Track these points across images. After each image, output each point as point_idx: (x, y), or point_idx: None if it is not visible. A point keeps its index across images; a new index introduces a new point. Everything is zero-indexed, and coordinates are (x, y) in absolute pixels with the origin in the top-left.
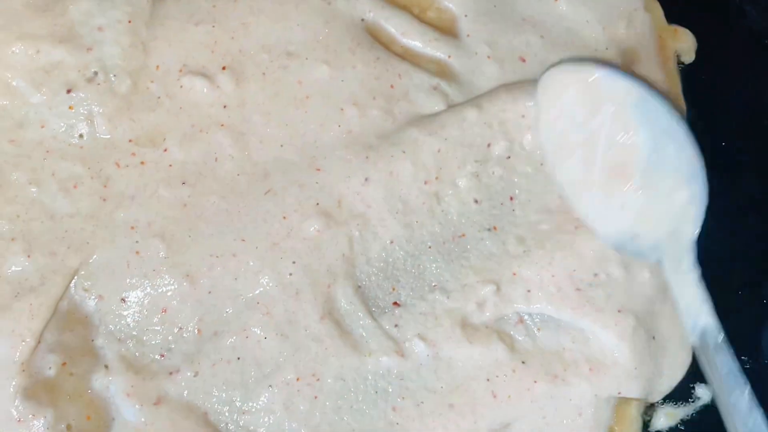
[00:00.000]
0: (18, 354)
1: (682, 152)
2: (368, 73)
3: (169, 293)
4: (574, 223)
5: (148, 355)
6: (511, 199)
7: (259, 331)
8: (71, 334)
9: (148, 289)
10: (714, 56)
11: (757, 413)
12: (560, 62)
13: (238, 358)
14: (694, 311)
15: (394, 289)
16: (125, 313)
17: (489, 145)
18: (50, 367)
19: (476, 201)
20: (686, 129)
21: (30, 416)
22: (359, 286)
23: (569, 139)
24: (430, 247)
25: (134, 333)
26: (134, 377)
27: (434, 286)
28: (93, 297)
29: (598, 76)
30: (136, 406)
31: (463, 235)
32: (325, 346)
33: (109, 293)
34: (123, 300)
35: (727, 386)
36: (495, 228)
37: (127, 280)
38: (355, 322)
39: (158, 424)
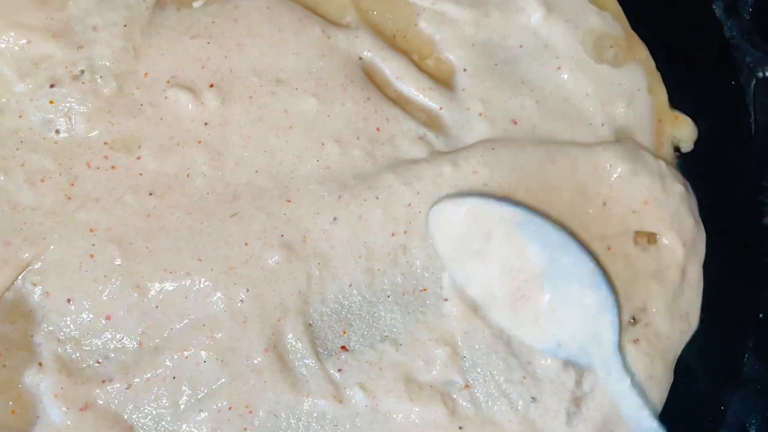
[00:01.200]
0: None
1: (576, 263)
2: (356, 112)
3: (116, 301)
4: None
5: (85, 359)
6: None
7: (199, 354)
8: (11, 326)
9: (96, 294)
10: (713, 149)
11: None
12: (440, 199)
13: (174, 377)
14: (635, 417)
15: (344, 333)
16: (69, 313)
17: None
18: None
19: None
20: (575, 241)
21: None
22: (310, 324)
23: (470, 268)
24: (388, 296)
25: (74, 335)
26: (66, 379)
27: (386, 336)
28: (40, 293)
29: (475, 204)
30: (63, 409)
31: (425, 289)
32: (264, 379)
33: (57, 291)
34: (69, 300)
35: None
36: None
37: (77, 282)
38: (298, 360)
39: (81, 430)
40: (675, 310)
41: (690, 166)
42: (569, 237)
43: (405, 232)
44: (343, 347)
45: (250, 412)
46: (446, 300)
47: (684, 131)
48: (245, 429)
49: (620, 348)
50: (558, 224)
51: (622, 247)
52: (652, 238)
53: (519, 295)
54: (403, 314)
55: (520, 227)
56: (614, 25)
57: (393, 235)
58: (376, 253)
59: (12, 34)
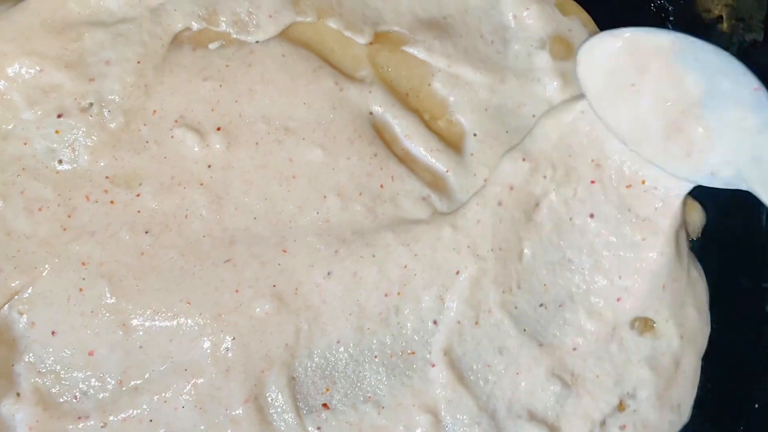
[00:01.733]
0: None
1: (738, 85)
2: (361, 168)
3: (100, 337)
4: (527, 365)
5: (63, 394)
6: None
7: (178, 398)
8: None
9: (81, 329)
10: (721, 237)
11: None
12: (592, 36)
13: (151, 420)
14: None
15: (327, 390)
16: (52, 346)
17: (457, 273)
18: None
19: (435, 323)
20: (739, 62)
21: None
22: (293, 378)
23: (622, 103)
24: (375, 357)
25: (56, 368)
26: (42, 413)
27: (369, 397)
28: (25, 322)
29: (634, 35)
30: None
31: (413, 352)
32: (241, 430)
33: (42, 323)
34: (54, 333)
35: None
36: (446, 354)
37: (63, 314)
38: (278, 414)
39: None
40: (666, 399)
41: (697, 251)
42: (730, 58)
43: (399, 293)
44: (324, 405)
45: None
46: (433, 365)
47: (694, 218)
48: None
49: None
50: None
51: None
52: (649, 323)
53: (674, 128)
54: (388, 376)
55: (678, 56)
56: None
57: (386, 295)
58: (367, 312)
59: (25, 61)
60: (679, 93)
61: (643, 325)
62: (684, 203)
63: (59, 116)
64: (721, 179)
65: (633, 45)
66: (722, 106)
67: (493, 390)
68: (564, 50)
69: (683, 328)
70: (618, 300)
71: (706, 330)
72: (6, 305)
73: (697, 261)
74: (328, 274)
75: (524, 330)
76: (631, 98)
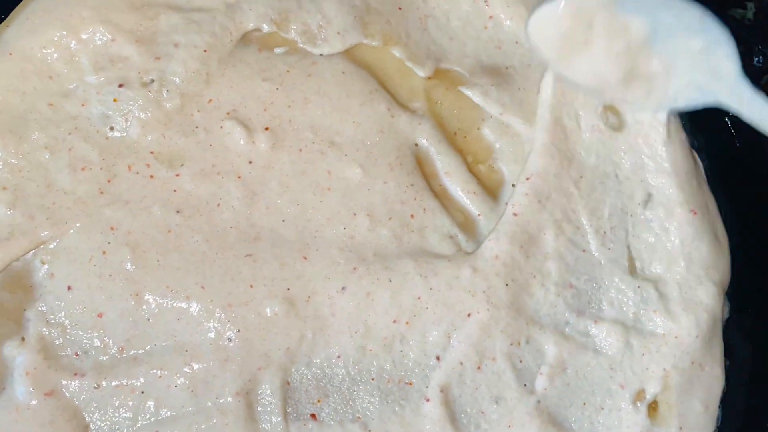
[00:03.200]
0: None
1: (680, 15)
2: (396, 194)
3: (112, 302)
4: (521, 420)
5: (65, 348)
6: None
7: (173, 377)
8: (9, 295)
9: (96, 290)
10: None
11: None
12: (534, 9)
13: (142, 392)
14: None
15: (319, 402)
16: (65, 301)
17: (469, 315)
18: None
19: (438, 359)
20: None
21: None
22: (288, 383)
23: (578, 61)
24: (372, 379)
25: (63, 322)
26: (42, 361)
27: (358, 417)
28: (45, 272)
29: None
30: (30, 388)
31: (411, 383)
32: (227, 421)
33: (61, 276)
34: (69, 288)
35: None
36: (443, 391)
37: (83, 273)
38: (265, 414)
39: (39, 414)
40: None
41: None
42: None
43: (407, 322)
44: (312, 415)
45: None
46: (428, 400)
47: None
48: None
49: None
50: None
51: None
52: (653, 403)
53: (631, 72)
54: (381, 401)
55: (618, 4)
56: None
57: (395, 321)
58: (372, 334)
59: (100, 28)
60: (627, 39)
61: (647, 404)
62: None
63: (120, 86)
64: (685, 100)
65: (574, 6)
66: (670, 38)
67: None
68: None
69: (685, 421)
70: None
71: (711, 427)
72: (31, 252)
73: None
74: (343, 288)
75: (525, 385)
76: (586, 54)
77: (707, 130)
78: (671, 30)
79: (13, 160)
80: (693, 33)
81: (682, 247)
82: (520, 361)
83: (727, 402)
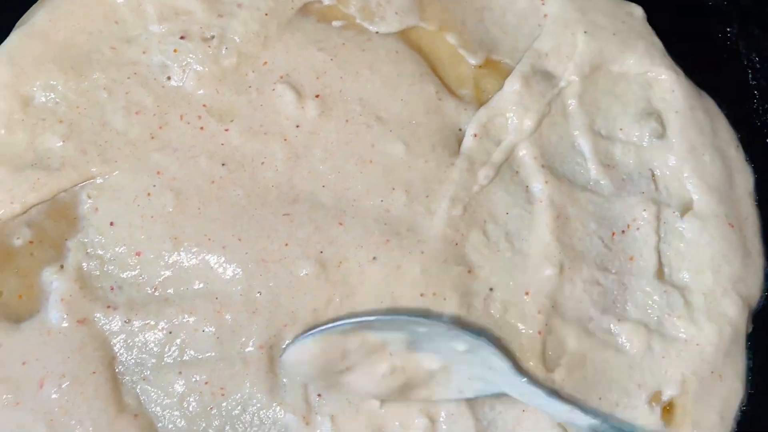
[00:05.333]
0: (2, 212)
1: (431, 330)
2: (435, 174)
3: (151, 243)
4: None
5: (101, 280)
6: None
7: (202, 322)
8: (53, 223)
9: (137, 229)
10: None
11: None
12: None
13: (170, 332)
14: (568, 419)
15: None
16: (106, 235)
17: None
18: (18, 238)
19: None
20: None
21: None
22: None
23: (347, 384)
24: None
25: (102, 255)
26: (78, 290)
27: None
28: (90, 206)
29: (320, 335)
30: (63, 314)
31: None
32: (248, 371)
33: (105, 212)
34: (112, 223)
35: None
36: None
37: (126, 211)
38: (285, 370)
39: (69, 339)
40: None
41: None
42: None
43: (434, 294)
44: None
45: (223, 394)
46: None
47: None
48: (211, 408)
49: (522, 370)
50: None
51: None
52: (669, 406)
53: (409, 383)
54: None
55: (372, 330)
56: None
57: (422, 295)
58: (398, 306)
59: None
60: (387, 350)
61: (660, 407)
62: None
63: (182, 38)
64: (472, 392)
65: (322, 342)
66: (432, 342)
67: (495, 419)
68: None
69: (698, 428)
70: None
71: None
72: (78, 185)
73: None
74: (374, 258)
75: (544, 373)
76: (354, 375)
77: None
78: (430, 337)
79: (72, 96)
80: (452, 338)
81: (712, 258)
82: (542, 350)
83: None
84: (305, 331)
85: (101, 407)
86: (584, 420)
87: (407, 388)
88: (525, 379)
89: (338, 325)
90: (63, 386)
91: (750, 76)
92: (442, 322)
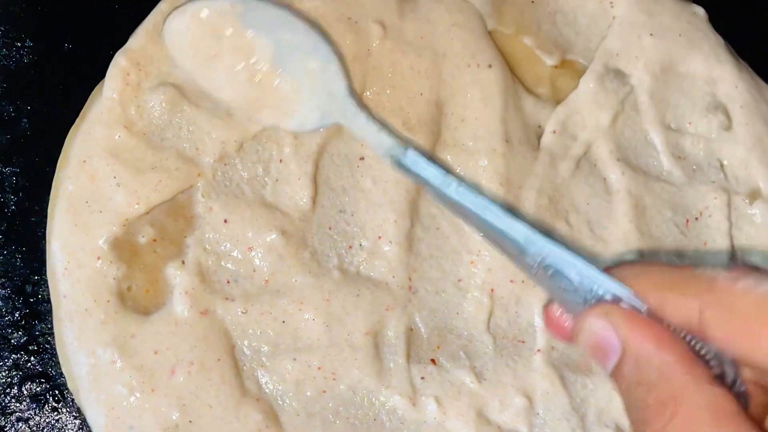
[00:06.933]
0: (128, 210)
1: (296, 33)
2: (522, 166)
3: (262, 239)
4: None
5: (219, 274)
6: None
7: (311, 311)
8: (174, 222)
9: (248, 225)
10: None
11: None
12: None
13: (284, 321)
14: (376, 141)
15: (438, 348)
16: (221, 232)
17: None
18: (143, 236)
19: None
20: (290, 13)
21: (107, 261)
22: (411, 329)
23: (215, 73)
24: (490, 333)
25: (219, 252)
26: (199, 283)
27: (474, 366)
28: (206, 206)
29: (195, 7)
30: (187, 306)
31: (523, 341)
32: (356, 357)
33: (219, 210)
34: (225, 221)
35: (435, 186)
36: (554, 348)
37: (237, 209)
38: (391, 354)
39: (194, 329)
40: None
41: None
42: (291, 14)
43: (523, 281)
44: (432, 360)
45: (334, 379)
46: (539, 351)
47: None
48: (324, 391)
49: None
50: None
51: None
52: None
53: (260, 88)
54: (496, 354)
55: (243, 19)
56: None
57: (512, 281)
58: (495, 295)
59: None
60: (254, 55)
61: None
62: None
63: None
64: (311, 122)
65: (200, 16)
66: (291, 55)
67: (587, 396)
68: None
69: None
70: None
71: None
72: (195, 186)
73: None
74: (479, 252)
75: None
76: (219, 67)
77: None
78: (291, 50)
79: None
80: (309, 54)
81: None
82: None
83: None
84: None
85: (228, 392)
86: (389, 140)
87: (258, 105)
88: (353, 99)
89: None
90: (192, 373)
91: None
92: (313, 35)
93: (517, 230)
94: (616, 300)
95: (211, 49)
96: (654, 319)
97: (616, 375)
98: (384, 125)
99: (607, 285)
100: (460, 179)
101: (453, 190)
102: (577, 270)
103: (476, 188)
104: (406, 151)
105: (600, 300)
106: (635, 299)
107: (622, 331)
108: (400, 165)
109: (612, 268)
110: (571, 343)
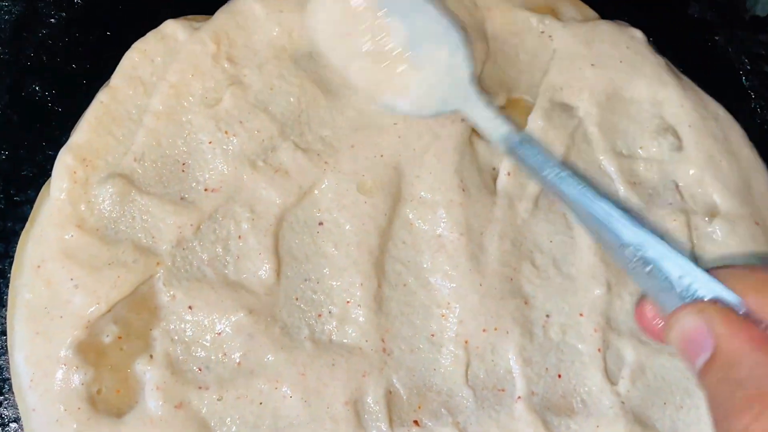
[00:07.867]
0: (88, 312)
1: (429, 19)
2: (482, 212)
3: (230, 320)
4: (608, 420)
5: (189, 363)
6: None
7: (287, 387)
8: (137, 316)
9: (214, 308)
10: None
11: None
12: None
13: (261, 403)
14: (493, 126)
15: (419, 407)
16: (186, 320)
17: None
18: (108, 335)
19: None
20: (427, 2)
21: (73, 367)
22: (390, 392)
23: (348, 55)
24: (468, 386)
25: (187, 340)
26: (169, 376)
27: (457, 422)
28: (168, 295)
29: None
30: (160, 402)
31: (503, 390)
32: (339, 428)
33: (182, 296)
34: (190, 308)
35: (543, 174)
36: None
37: (201, 294)
38: (373, 422)
39: (171, 424)
40: None
41: None
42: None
43: (495, 329)
44: (415, 421)
45: None
46: (519, 398)
47: None
48: None
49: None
50: None
51: None
52: None
53: (389, 70)
54: (478, 407)
55: (380, 2)
56: None
57: (484, 330)
58: (469, 345)
59: None
60: (387, 38)
61: None
62: None
63: None
64: (429, 108)
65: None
66: (422, 43)
67: None
68: None
69: None
70: None
71: None
72: (155, 276)
73: None
74: (449, 304)
75: (609, 387)
76: (352, 46)
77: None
78: (424, 36)
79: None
80: (439, 39)
81: (744, 256)
82: (604, 366)
83: None
84: None
85: None
86: (506, 126)
87: (381, 87)
88: (475, 85)
89: None
90: None
91: (743, 78)
92: (445, 22)
93: (621, 224)
94: (713, 300)
95: (348, 27)
96: (750, 320)
97: (704, 371)
98: (500, 112)
99: (709, 284)
100: (571, 170)
101: (561, 179)
102: (679, 267)
103: (584, 179)
104: (520, 138)
105: (695, 299)
106: (735, 299)
107: (716, 329)
108: (512, 151)
109: (714, 269)
110: (661, 341)
